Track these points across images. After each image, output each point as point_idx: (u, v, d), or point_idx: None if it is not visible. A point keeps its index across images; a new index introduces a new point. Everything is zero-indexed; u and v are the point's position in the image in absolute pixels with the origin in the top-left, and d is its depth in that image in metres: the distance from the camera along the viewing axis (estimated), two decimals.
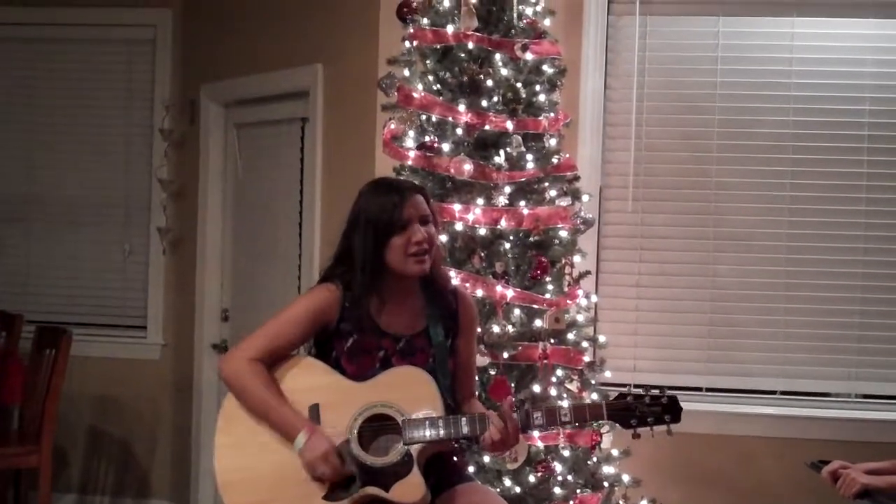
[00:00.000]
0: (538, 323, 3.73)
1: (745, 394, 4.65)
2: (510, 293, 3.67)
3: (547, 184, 3.85)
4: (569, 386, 3.77)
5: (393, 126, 3.86)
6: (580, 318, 3.92)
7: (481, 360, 3.56)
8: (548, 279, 3.78)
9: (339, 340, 2.89)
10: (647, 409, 2.84)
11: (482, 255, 3.71)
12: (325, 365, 2.89)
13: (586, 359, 3.85)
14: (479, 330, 3.58)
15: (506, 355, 3.64)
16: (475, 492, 2.92)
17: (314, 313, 2.89)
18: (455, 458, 3.03)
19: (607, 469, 3.84)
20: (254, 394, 2.82)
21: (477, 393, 3.52)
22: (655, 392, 2.86)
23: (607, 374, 3.99)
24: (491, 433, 2.79)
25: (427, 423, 2.77)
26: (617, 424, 2.89)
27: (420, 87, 3.81)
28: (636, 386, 3.11)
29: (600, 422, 3.41)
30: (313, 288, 2.99)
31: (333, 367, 2.88)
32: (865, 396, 4.60)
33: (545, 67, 3.92)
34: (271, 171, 5.32)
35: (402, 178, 3.62)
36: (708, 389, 4.65)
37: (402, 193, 2.89)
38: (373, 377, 2.85)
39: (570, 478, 3.70)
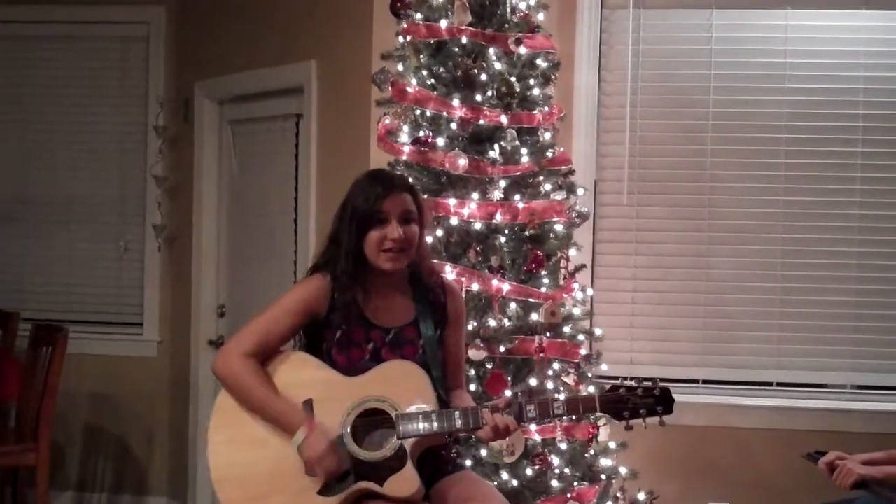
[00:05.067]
0: (534, 317, 3.73)
1: (742, 386, 4.66)
2: (506, 287, 3.68)
3: (542, 178, 3.85)
4: (565, 379, 3.77)
5: (387, 121, 3.85)
6: (576, 311, 3.92)
7: (478, 355, 3.57)
8: (543, 273, 3.78)
9: (328, 331, 2.89)
10: (639, 400, 2.84)
11: (478, 249, 3.71)
12: (317, 360, 2.89)
13: (583, 352, 3.85)
14: (475, 324, 3.60)
15: (502, 349, 3.64)
16: (466, 481, 2.92)
17: (304, 304, 2.89)
18: (447, 450, 3.04)
19: (604, 461, 3.84)
20: (249, 390, 2.82)
21: (473, 387, 3.55)
22: (647, 384, 2.86)
23: (604, 367, 4.00)
24: (490, 427, 2.78)
25: (420, 417, 2.78)
26: (610, 416, 2.90)
27: (414, 81, 3.81)
28: (630, 378, 3.13)
29: (594, 414, 3.42)
30: (303, 279, 3.00)
31: (324, 359, 2.88)
32: (861, 387, 4.61)
33: (539, 61, 3.92)
34: (266, 168, 5.31)
35: (396, 172, 3.61)
36: (704, 382, 4.67)
37: (387, 189, 2.88)
38: (364, 370, 2.85)
39: (567, 471, 3.70)
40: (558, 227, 3.84)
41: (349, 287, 2.88)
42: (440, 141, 3.76)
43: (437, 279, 3.07)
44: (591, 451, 3.81)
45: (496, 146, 3.77)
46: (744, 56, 4.66)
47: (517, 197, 3.77)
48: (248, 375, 2.82)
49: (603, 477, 3.82)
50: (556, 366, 3.75)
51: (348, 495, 2.75)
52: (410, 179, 3.64)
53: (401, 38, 3.89)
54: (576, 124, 4.57)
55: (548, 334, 3.73)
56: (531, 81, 3.88)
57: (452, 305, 3.04)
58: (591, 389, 3.79)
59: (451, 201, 3.71)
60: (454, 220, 3.71)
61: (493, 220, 3.73)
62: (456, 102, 3.75)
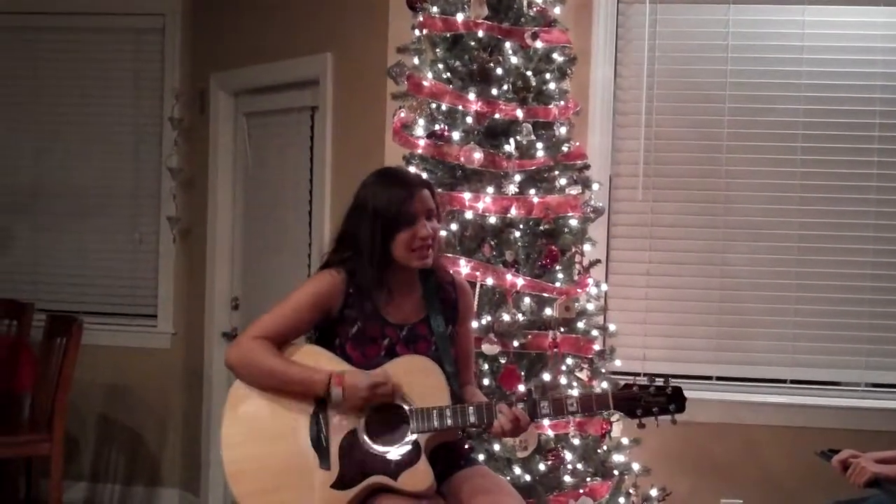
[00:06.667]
0: (548, 312, 3.73)
1: (755, 383, 4.65)
2: (520, 282, 3.67)
3: (557, 172, 3.84)
4: (579, 375, 3.77)
5: (403, 114, 3.86)
6: (590, 306, 3.92)
7: (491, 349, 3.57)
8: (558, 268, 3.78)
9: (342, 327, 2.90)
10: (652, 399, 2.85)
11: (492, 243, 3.71)
12: (330, 353, 2.89)
13: (596, 347, 3.85)
14: (489, 318, 3.60)
15: (516, 344, 3.64)
16: (479, 475, 2.93)
17: (318, 298, 2.90)
18: (460, 444, 3.04)
19: (617, 457, 3.84)
20: (263, 365, 2.82)
21: (486, 381, 3.55)
22: (660, 382, 2.87)
23: (617, 363, 4.00)
24: (501, 423, 2.79)
25: (435, 412, 2.78)
26: (623, 414, 2.90)
27: (430, 75, 3.81)
28: (643, 375, 3.14)
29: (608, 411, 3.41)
30: (316, 274, 3.00)
31: (338, 354, 2.89)
32: (875, 385, 4.59)
33: (555, 56, 3.92)
34: (281, 160, 5.32)
35: (407, 169, 3.61)
36: (717, 378, 4.65)
37: (410, 188, 2.90)
38: (378, 365, 2.85)
39: (579, 466, 3.70)
40: (573, 222, 3.84)
41: (375, 289, 2.88)
42: (455, 135, 3.75)
43: (447, 276, 3.07)
44: (604, 447, 3.81)
45: (511, 140, 3.77)
46: (760, 51, 4.63)
47: (532, 191, 3.76)
48: (259, 353, 2.82)
49: (615, 473, 3.82)
50: (569, 361, 3.75)
51: (362, 489, 2.75)
52: (425, 173, 3.66)
53: (417, 32, 3.89)
54: (591, 119, 4.56)
55: (561, 329, 3.73)
56: (547, 76, 3.88)
57: (463, 302, 3.05)
58: (605, 385, 3.80)
59: (466, 195, 3.70)
60: (469, 215, 3.71)
61: (508, 215, 3.72)
62: (472, 96, 3.75)
